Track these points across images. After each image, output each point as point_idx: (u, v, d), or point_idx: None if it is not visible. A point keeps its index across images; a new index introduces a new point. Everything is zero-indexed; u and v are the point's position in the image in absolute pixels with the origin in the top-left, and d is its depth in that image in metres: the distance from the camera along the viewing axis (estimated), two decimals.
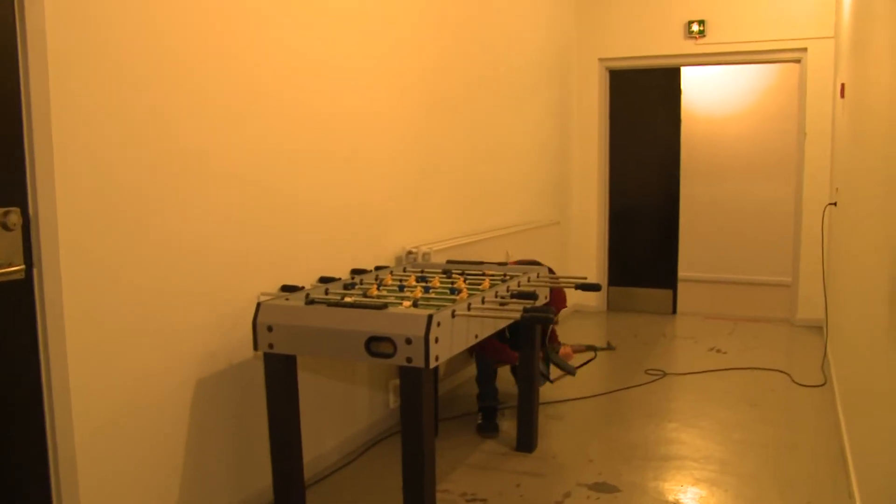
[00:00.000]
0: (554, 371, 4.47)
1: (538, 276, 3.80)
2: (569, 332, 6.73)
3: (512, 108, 5.88)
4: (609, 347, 4.54)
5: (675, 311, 7.59)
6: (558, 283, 3.81)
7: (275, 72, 3.24)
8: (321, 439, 3.67)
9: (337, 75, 3.66)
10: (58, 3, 2.26)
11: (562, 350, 4.42)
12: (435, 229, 4.68)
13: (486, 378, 4.27)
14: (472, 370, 4.48)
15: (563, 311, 6.90)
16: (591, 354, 4.78)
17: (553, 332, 4.51)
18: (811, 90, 6.66)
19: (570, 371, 4.39)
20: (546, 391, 4.64)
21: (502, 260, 5.15)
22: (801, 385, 5.04)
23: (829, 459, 3.79)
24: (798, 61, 6.77)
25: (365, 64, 3.88)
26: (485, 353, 4.19)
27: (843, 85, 4.93)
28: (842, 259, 4.55)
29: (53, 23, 2.24)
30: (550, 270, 4.25)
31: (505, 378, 4.68)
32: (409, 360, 2.61)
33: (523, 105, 6.13)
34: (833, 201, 5.46)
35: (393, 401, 4.27)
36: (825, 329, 5.95)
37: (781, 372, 5.34)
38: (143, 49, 2.57)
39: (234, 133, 3.01)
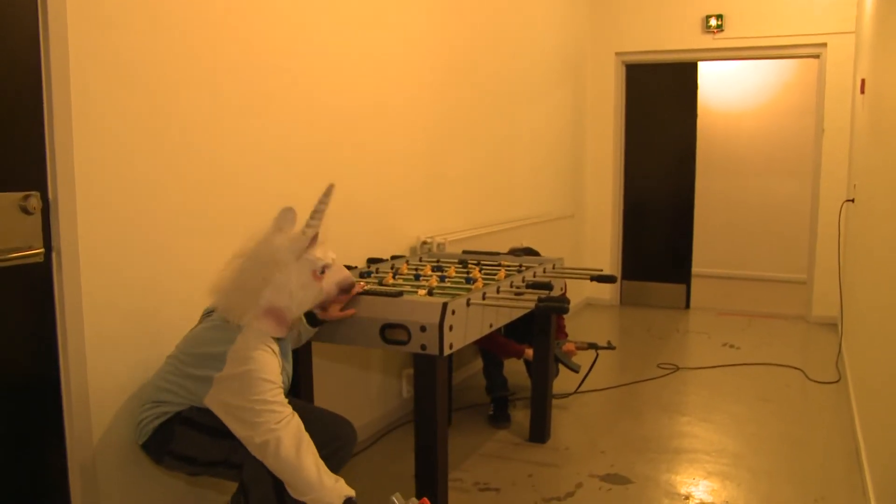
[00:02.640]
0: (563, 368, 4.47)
1: (554, 268, 3.80)
2: (582, 325, 6.73)
3: (527, 100, 5.87)
4: (609, 346, 4.53)
5: (688, 307, 7.56)
6: (575, 274, 3.80)
7: (291, 64, 3.24)
8: None
9: (353, 68, 3.66)
10: None
11: (565, 346, 4.41)
12: (450, 220, 4.68)
13: (492, 369, 4.27)
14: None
15: (575, 304, 6.90)
16: (596, 356, 4.78)
17: (561, 325, 4.51)
18: (830, 86, 6.61)
19: (572, 368, 4.39)
20: (558, 383, 4.64)
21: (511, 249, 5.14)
22: (815, 381, 5.02)
23: (842, 456, 3.77)
24: (817, 56, 6.71)
25: (381, 57, 3.88)
26: (490, 348, 4.19)
27: (863, 80, 4.89)
28: (859, 256, 4.53)
29: (74, 13, 2.26)
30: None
31: (515, 370, 4.68)
32: (423, 347, 2.62)
33: (539, 98, 6.12)
34: (851, 198, 5.43)
35: (406, 390, 4.28)
36: (840, 326, 5.92)
37: (795, 368, 5.32)
38: (159, 40, 2.58)
39: (250, 124, 3.02)
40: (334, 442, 2.49)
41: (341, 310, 2.72)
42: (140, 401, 2.44)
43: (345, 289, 2.48)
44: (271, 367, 2.21)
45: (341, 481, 2.21)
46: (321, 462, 2.19)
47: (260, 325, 2.26)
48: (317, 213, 2.31)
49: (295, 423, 2.18)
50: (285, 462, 2.12)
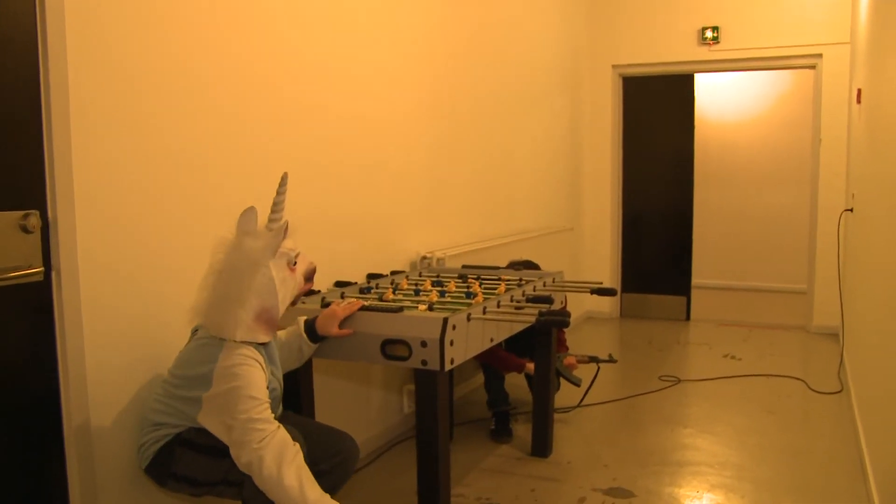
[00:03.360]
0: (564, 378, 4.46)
1: (554, 281, 3.80)
2: (582, 338, 6.72)
3: (525, 114, 5.89)
4: (610, 360, 4.52)
5: (688, 318, 7.56)
6: (575, 287, 3.80)
7: (289, 81, 3.25)
8: None
9: (351, 84, 3.67)
10: (76, 14, 2.28)
11: (566, 360, 4.40)
12: (449, 235, 4.68)
13: (494, 384, 4.26)
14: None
15: (576, 318, 6.89)
16: (597, 369, 4.77)
17: (562, 338, 4.50)
18: (826, 96, 6.63)
19: (574, 381, 4.37)
20: (559, 397, 4.62)
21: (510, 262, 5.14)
22: (817, 392, 5.01)
23: (846, 466, 3.76)
24: (813, 67, 6.74)
25: (379, 72, 3.89)
26: (491, 363, 4.18)
27: (859, 90, 4.91)
28: (858, 265, 4.53)
29: (72, 30, 2.26)
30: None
31: (517, 384, 4.67)
32: (424, 362, 2.61)
33: (536, 111, 6.13)
34: (849, 207, 5.43)
35: (407, 405, 4.27)
36: (841, 336, 5.91)
37: (797, 379, 5.31)
38: (158, 60, 2.59)
39: (251, 142, 3.03)
40: (335, 457, 2.50)
41: (340, 327, 2.71)
42: (140, 421, 2.44)
43: (308, 277, 2.45)
44: (257, 382, 2.20)
45: (326, 497, 2.20)
46: (306, 477, 2.17)
47: (252, 336, 2.25)
48: (277, 205, 2.29)
49: (277, 439, 2.16)
50: (268, 481, 2.12)
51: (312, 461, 2.38)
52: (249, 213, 2.29)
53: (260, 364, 2.25)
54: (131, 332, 2.51)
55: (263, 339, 2.29)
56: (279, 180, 2.35)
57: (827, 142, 6.65)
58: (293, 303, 2.50)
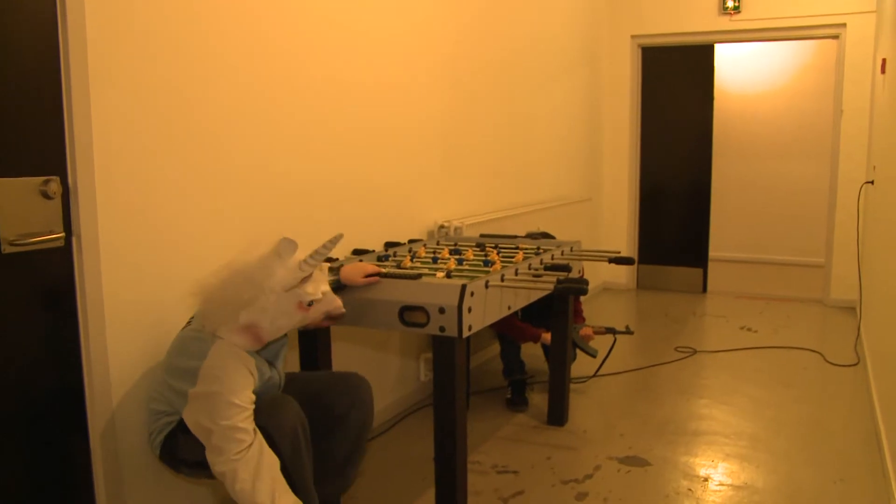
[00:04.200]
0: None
1: (571, 250, 3.79)
2: (599, 309, 6.72)
3: (543, 84, 5.84)
4: (627, 331, 4.51)
5: (705, 290, 7.53)
6: (593, 256, 3.79)
7: (307, 50, 3.24)
8: None
9: (368, 53, 3.65)
10: None
11: (582, 331, 4.40)
12: (467, 204, 4.68)
13: (510, 353, 4.27)
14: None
15: (592, 289, 6.89)
16: (614, 340, 4.76)
17: (579, 309, 4.50)
18: (849, 66, 6.53)
19: (590, 352, 4.38)
20: (575, 368, 4.63)
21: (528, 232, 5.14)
22: (833, 364, 4.99)
23: (862, 438, 3.75)
24: (836, 37, 6.64)
25: (396, 41, 3.87)
26: (508, 333, 4.19)
27: (884, 60, 4.84)
28: (878, 237, 4.49)
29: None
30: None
31: (533, 353, 4.68)
32: (442, 329, 2.62)
33: (554, 81, 6.09)
34: (870, 179, 5.38)
35: (424, 374, 4.29)
36: (859, 309, 5.88)
37: (814, 351, 5.29)
38: (178, 26, 2.59)
39: (268, 111, 3.03)
40: (345, 397, 2.57)
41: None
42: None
43: (333, 316, 2.44)
44: (241, 389, 2.20)
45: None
46: (280, 491, 2.18)
47: (235, 339, 2.26)
48: (317, 255, 2.28)
49: (253, 451, 2.16)
50: (240, 494, 2.14)
51: (328, 407, 2.52)
52: (289, 243, 2.27)
53: (249, 369, 2.26)
54: (151, 297, 2.53)
55: (244, 346, 2.28)
56: (332, 237, 2.30)
57: (849, 113, 6.57)
58: (306, 329, 2.51)
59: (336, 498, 2.69)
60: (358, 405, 2.59)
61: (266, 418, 2.22)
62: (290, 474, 2.23)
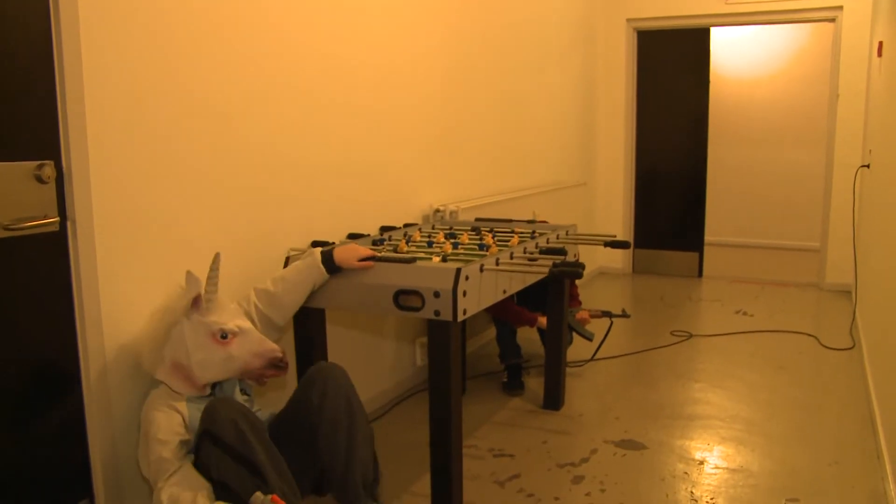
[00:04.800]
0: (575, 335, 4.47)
1: (567, 234, 3.79)
2: (594, 294, 6.73)
3: (539, 67, 5.82)
4: (624, 315, 4.51)
5: (701, 275, 7.54)
6: (589, 240, 3.79)
7: (302, 32, 3.22)
8: None
9: (363, 35, 3.63)
10: None
11: (578, 314, 4.41)
12: (462, 188, 4.67)
13: (506, 337, 4.27)
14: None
15: (588, 273, 6.89)
16: (610, 324, 4.77)
17: (575, 293, 4.50)
18: (845, 50, 6.52)
19: (586, 336, 4.38)
20: (571, 352, 4.64)
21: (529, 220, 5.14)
22: (829, 348, 5.01)
23: (857, 421, 3.77)
24: (833, 20, 6.62)
25: (392, 25, 3.84)
26: (503, 317, 4.19)
27: (881, 43, 4.83)
28: (874, 221, 4.49)
29: None
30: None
31: (529, 337, 4.69)
32: (437, 313, 2.62)
33: (550, 65, 6.07)
34: (866, 163, 5.37)
35: (420, 358, 4.30)
36: (854, 293, 5.89)
37: (809, 335, 5.31)
38: (171, 4, 2.56)
39: (263, 91, 3.01)
40: (313, 388, 2.50)
41: None
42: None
43: (272, 363, 2.42)
44: (165, 425, 2.27)
45: None
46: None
47: (168, 381, 2.35)
48: (209, 281, 2.36)
49: (172, 484, 2.19)
50: None
51: (304, 406, 2.48)
52: (192, 276, 2.35)
53: (178, 410, 2.32)
54: (146, 281, 2.53)
55: (181, 390, 2.36)
56: (212, 260, 2.38)
57: (845, 97, 6.56)
58: (259, 382, 2.48)
59: (373, 495, 2.55)
60: (330, 393, 2.47)
61: (204, 422, 2.23)
62: (246, 460, 2.20)
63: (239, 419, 2.23)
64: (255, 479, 2.19)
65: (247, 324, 2.43)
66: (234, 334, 2.37)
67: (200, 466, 2.23)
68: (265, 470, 2.20)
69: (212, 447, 2.19)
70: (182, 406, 2.34)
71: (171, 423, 2.30)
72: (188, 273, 2.35)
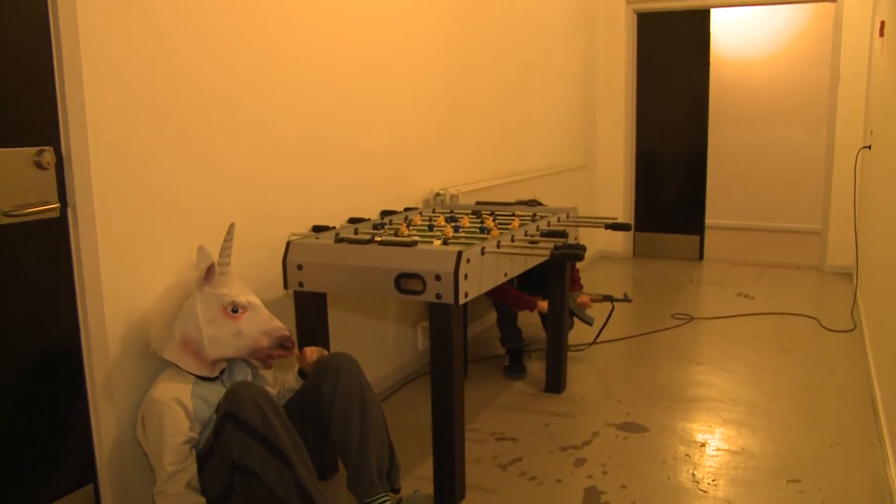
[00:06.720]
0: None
1: (568, 217, 3.78)
2: (595, 277, 6.72)
3: (539, 51, 5.80)
4: (625, 299, 4.49)
5: (702, 258, 7.54)
6: (590, 222, 3.78)
7: (301, 13, 3.20)
8: None
9: (363, 18, 3.61)
10: None
11: (579, 299, 4.40)
12: (463, 172, 4.66)
13: (507, 320, 4.27)
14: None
15: (589, 256, 6.88)
16: (612, 308, 4.76)
17: (576, 277, 4.49)
18: (847, 30, 6.47)
19: (587, 321, 4.38)
20: (572, 336, 4.64)
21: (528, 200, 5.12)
22: (830, 330, 5.01)
23: (858, 403, 3.78)
24: (834, 0, 6.58)
25: (391, 5, 3.82)
26: (504, 301, 4.19)
27: (882, 23, 4.80)
28: (875, 203, 4.48)
29: None
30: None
31: (530, 321, 4.69)
32: (438, 296, 2.62)
33: (550, 48, 6.04)
34: (867, 144, 5.36)
35: (421, 342, 4.30)
36: (855, 275, 5.89)
37: (810, 317, 5.31)
38: None
39: (262, 76, 3.00)
40: (326, 383, 2.53)
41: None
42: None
43: (280, 342, 2.44)
44: (173, 429, 2.29)
45: None
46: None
47: (177, 359, 2.36)
48: (222, 252, 2.39)
49: (175, 487, 2.25)
50: None
51: (318, 397, 2.52)
52: (201, 250, 2.41)
53: (181, 402, 2.32)
54: (147, 268, 2.52)
55: (190, 368, 2.38)
56: (227, 230, 2.42)
57: (846, 78, 6.53)
58: (266, 364, 2.48)
59: (391, 484, 2.56)
60: (343, 382, 2.51)
61: (226, 405, 2.24)
62: (270, 443, 2.21)
63: (262, 402, 2.24)
64: (278, 462, 2.20)
65: (256, 300, 2.44)
66: (245, 309, 2.39)
67: (221, 449, 2.24)
68: (288, 453, 2.22)
69: (235, 430, 2.20)
70: (186, 395, 2.34)
71: (177, 422, 2.30)
72: (200, 247, 2.39)
